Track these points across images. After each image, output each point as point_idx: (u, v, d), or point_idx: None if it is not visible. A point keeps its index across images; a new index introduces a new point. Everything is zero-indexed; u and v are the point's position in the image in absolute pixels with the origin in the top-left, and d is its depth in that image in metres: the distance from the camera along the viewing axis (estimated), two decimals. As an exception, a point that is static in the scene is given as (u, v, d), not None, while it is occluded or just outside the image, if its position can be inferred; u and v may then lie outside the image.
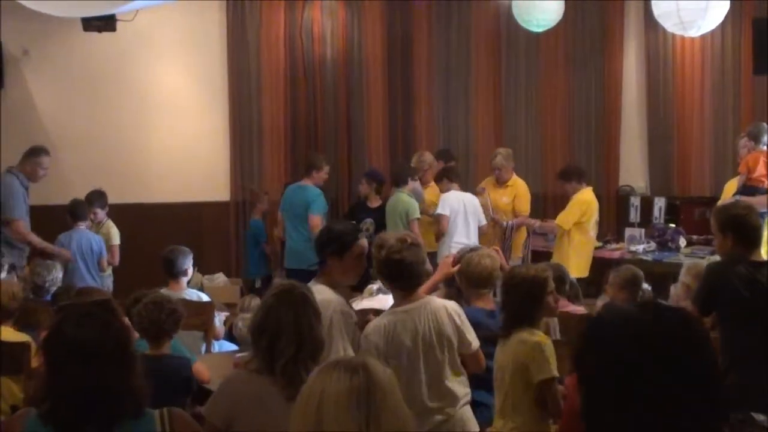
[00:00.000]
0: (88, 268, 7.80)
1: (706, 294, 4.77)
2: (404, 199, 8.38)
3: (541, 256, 8.71)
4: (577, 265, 8.04)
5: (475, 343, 4.28)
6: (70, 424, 2.54)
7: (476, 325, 4.41)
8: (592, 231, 8.52)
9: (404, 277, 4.17)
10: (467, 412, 4.25)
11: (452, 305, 4.28)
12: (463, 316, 4.26)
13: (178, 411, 2.76)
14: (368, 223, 8.73)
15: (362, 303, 5.89)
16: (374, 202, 9.01)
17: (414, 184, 8.72)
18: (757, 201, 7.49)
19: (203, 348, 6.39)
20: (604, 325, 1.83)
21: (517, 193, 8.88)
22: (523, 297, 4.21)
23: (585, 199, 8.44)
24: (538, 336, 4.17)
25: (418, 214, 8.35)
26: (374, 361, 2.27)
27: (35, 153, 8.15)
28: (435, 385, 4.13)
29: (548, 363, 4.07)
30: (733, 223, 4.83)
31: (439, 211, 8.40)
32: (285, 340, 3.27)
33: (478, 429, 4.32)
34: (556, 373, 4.10)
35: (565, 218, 8.42)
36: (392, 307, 4.28)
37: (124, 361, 2.60)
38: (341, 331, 4.20)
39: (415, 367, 4.07)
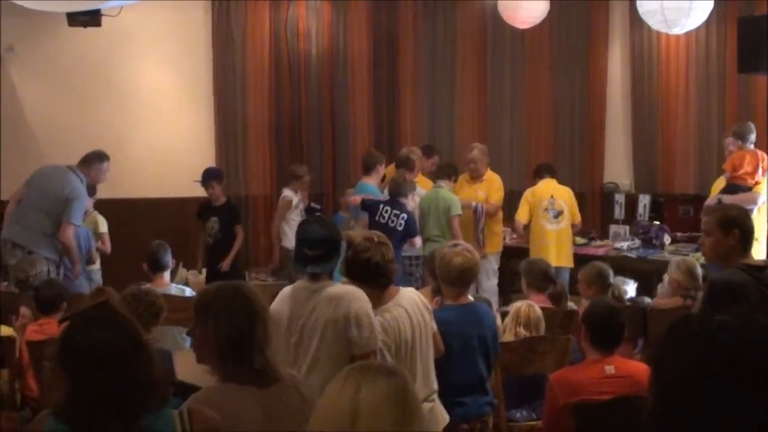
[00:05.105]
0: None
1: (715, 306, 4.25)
2: (445, 195, 8.42)
3: (522, 252, 8.67)
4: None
5: (434, 324, 4.30)
6: (95, 423, 2.53)
7: (446, 324, 4.44)
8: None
9: (374, 276, 4.10)
10: (438, 401, 4.30)
11: (416, 292, 4.32)
12: (425, 299, 4.29)
13: (196, 408, 2.75)
14: (213, 221, 8.93)
15: None
16: (219, 201, 9.09)
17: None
18: (741, 199, 7.53)
19: (187, 343, 6.39)
20: (687, 330, 1.68)
21: (490, 186, 8.88)
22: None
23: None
24: None
25: (459, 211, 8.37)
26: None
27: (101, 158, 8.05)
28: (426, 375, 4.18)
29: None
30: (737, 222, 4.73)
31: None
32: (247, 339, 3.03)
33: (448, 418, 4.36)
34: None
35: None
36: (374, 305, 4.07)
37: (138, 355, 2.60)
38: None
39: (413, 358, 4.09)
